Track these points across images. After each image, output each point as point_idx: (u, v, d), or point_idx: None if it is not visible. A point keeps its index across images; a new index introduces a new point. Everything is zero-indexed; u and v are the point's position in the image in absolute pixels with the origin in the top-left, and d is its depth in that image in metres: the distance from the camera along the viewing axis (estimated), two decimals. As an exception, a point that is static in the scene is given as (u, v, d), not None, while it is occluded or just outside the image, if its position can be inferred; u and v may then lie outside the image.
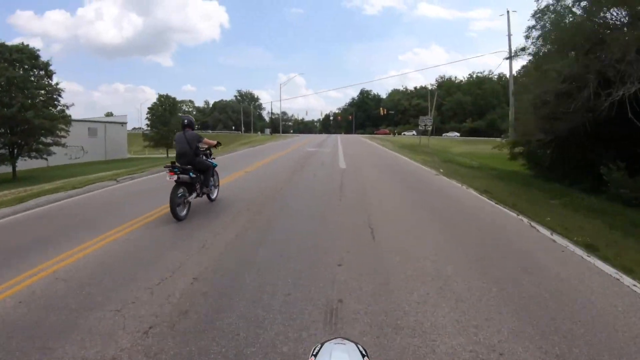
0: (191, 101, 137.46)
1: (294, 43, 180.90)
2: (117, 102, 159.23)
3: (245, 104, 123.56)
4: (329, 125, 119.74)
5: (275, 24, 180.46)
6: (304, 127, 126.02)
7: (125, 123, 52.57)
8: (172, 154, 51.70)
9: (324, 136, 62.01)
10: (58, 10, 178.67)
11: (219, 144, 8.50)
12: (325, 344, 1.08)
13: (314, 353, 1.05)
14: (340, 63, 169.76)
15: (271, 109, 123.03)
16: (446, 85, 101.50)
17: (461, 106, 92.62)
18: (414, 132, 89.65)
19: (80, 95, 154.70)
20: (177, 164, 7.01)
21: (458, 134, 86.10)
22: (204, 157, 7.87)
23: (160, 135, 49.97)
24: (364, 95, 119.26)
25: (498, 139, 25.76)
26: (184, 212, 6.81)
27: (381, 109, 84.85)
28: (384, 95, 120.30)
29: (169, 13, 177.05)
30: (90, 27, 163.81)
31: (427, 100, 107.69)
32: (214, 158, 8.46)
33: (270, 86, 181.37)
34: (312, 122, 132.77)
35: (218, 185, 8.58)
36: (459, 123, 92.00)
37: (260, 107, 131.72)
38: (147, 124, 54.93)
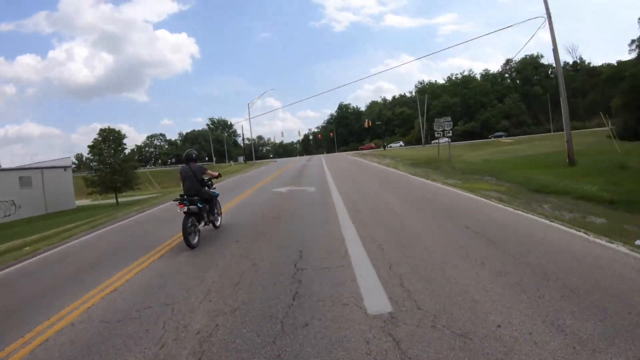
0: (162, 134, 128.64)
1: (266, 67, 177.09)
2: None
3: (219, 132, 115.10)
4: (310, 145, 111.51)
5: (246, 50, 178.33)
6: (283, 150, 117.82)
7: (69, 167, 43.01)
8: (123, 198, 39.76)
9: (304, 159, 53.30)
10: (29, 54, 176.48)
11: (219, 175, 9.12)
12: None
13: None
14: (314, 82, 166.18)
15: (242, 134, 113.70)
16: (430, 89, 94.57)
17: (449, 109, 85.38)
18: (401, 143, 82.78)
19: (59, 139, 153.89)
20: (184, 195, 7.62)
21: (449, 140, 78.21)
22: (206, 188, 8.21)
23: (105, 177, 40.35)
24: (343, 110, 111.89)
25: (507, 139, 18.81)
26: (196, 240, 7.27)
27: (366, 121, 76.75)
28: (363, 108, 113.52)
29: (138, 48, 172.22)
30: (63, 68, 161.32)
31: (411, 107, 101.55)
32: (215, 188, 8.84)
33: (246, 113, 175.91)
34: (292, 144, 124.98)
35: (221, 213, 9.00)
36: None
37: (234, 134, 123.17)
38: (91, 165, 43.96)
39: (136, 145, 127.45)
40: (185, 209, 7.30)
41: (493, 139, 69.73)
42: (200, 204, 7.61)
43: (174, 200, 7.92)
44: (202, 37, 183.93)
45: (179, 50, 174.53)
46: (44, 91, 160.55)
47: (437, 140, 76.40)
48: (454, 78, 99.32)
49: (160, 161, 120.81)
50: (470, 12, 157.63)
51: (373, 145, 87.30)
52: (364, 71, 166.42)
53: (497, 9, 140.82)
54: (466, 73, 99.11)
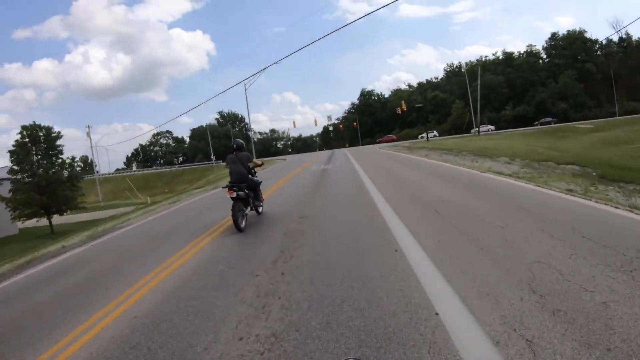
0: (169, 132, 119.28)
1: (282, 61, 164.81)
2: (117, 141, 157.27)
3: (228, 127, 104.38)
4: (330, 138, 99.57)
5: (261, 45, 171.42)
6: (301, 144, 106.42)
7: (6, 179, 32.43)
8: (61, 220, 33.98)
9: (324, 156, 39.45)
10: (46, 59, 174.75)
11: (262, 164, 9.71)
12: None
13: None
14: (330, 74, 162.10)
15: (248, 123, 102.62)
16: (470, 68, 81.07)
17: (493, 90, 71.94)
18: (435, 133, 70.13)
19: (80, 140, 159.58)
20: (232, 183, 8.04)
21: (492, 127, 65.64)
22: (250, 176, 8.58)
23: (28, 197, 29.31)
24: (366, 97, 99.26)
25: (583, 124, 16.00)
26: (244, 224, 7.72)
27: (402, 103, 64.04)
28: (387, 95, 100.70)
29: (154, 48, 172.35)
30: (80, 71, 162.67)
31: (444, 90, 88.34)
32: (257, 176, 9.03)
33: (265, 108, 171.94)
34: (311, 137, 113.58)
35: (263, 200, 9.29)
36: (495, 112, 71.25)
37: (245, 128, 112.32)
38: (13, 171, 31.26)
39: (140, 145, 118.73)
40: (235, 194, 7.76)
41: (539, 125, 56.70)
42: (247, 190, 8.15)
43: (223, 187, 8.83)
44: (217, 34, 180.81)
45: (194, 48, 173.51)
46: (62, 94, 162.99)
47: (477, 129, 63.50)
48: (494, 55, 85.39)
49: (162, 161, 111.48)
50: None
51: (394, 137, 75.14)
52: (382, 62, 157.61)
53: None
54: (508, 50, 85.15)
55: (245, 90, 41.53)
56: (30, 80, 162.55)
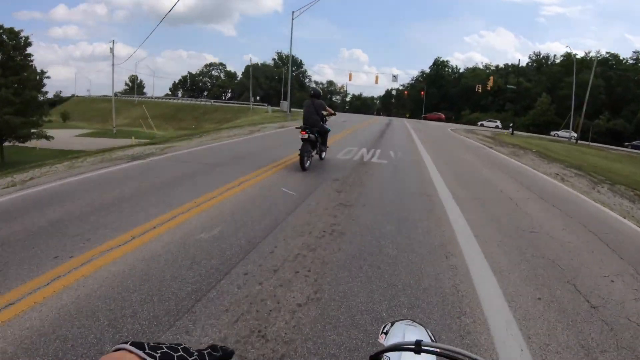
0: (222, 64, 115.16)
1: (356, 18, 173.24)
2: (181, 68, 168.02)
3: (283, 69, 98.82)
4: (391, 104, 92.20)
5: None
6: (361, 104, 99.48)
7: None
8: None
9: (376, 127, 28.91)
10: None
11: (335, 113, 10.15)
12: (396, 324, 1.11)
13: (385, 331, 1.08)
14: (403, 40, 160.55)
15: (303, 74, 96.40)
16: (566, 62, 70.62)
17: (588, 91, 62.05)
18: (498, 124, 62.58)
19: (145, 61, 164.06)
20: (305, 125, 8.79)
21: (575, 133, 56.33)
22: (322, 123, 9.26)
23: None
24: (439, 67, 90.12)
25: None
26: (308, 164, 8.53)
27: (491, 79, 56.16)
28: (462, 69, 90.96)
29: None
30: None
31: (530, 80, 78.10)
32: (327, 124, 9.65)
33: (332, 60, 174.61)
34: (372, 98, 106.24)
35: (327, 147, 10.06)
36: (586, 118, 61.76)
37: (304, 74, 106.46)
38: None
39: (189, 73, 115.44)
40: (307, 135, 8.46)
41: (630, 148, 47.74)
42: (317, 135, 8.91)
43: (296, 127, 9.51)
44: None
45: None
46: (133, 14, 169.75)
47: (556, 132, 54.55)
48: (593, 54, 73.62)
49: (205, 94, 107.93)
50: None
51: (442, 116, 68.29)
52: (458, 38, 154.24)
53: None
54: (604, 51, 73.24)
55: (293, 19, 35.35)
56: None
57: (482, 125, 62.49)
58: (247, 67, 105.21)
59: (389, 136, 20.90)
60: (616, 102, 62.32)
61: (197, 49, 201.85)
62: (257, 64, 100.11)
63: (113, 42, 56.24)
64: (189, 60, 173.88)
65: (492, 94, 71.42)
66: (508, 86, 59.07)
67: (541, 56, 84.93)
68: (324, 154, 9.78)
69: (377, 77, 53.89)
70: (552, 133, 57.58)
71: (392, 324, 1.10)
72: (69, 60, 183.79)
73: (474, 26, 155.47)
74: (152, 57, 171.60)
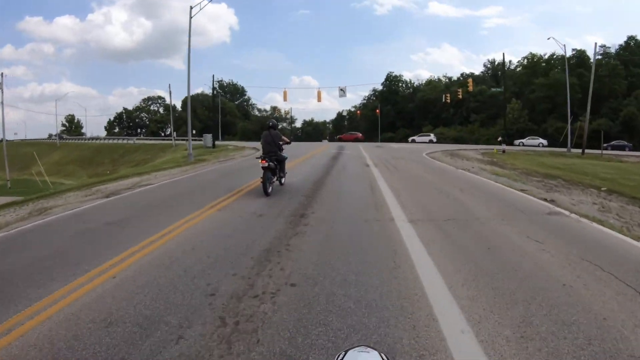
0: (161, 97, 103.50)
1: (303, 44, 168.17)
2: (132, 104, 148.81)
3: (225, 99, 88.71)
4: (343, 127, 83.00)
5: (285, 26, 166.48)
6: (312, 129, 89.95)
7: None
8: None
9: (316, 171, 14.60)
10: (68, 15, 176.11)
11: (290, 142, 11.35)
12: (349, 352, 1.10)
13: None
14: (351, 64, 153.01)
15: (247, 103, 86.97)
16: (530, 63, 64.28)
17: (560, 93, 55.38)
18: (432, 137, 55.53)
19: (95, 99, 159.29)
20: (265, 155, 9.64)
21: (545, 141, 49.55)
22: (278, 152, 10.11)
23: None
24: (392, 82, 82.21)
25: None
26: (270, 189, 9.25)
27: (470, 82, 47.98)
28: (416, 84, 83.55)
29: (177, 16, 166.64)
30: (101, 31, 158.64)
31: (490, 85, 71.19)
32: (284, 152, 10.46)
33: (283, 89, 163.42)
34: (324, 122, 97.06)
35: (286, 173, 10.80)
36: (561, 120, 54.96)
37: (247, 102, 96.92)
38: None
39: (124, 109, 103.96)
40: (266, 164, 9.29)
41: (609, 150, 41.62)
42: (275, 162, 9.77)
43: (256, 157, 10.04)
44: (242, 9, 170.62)
45: (217, 19, 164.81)
46: (81, 52, 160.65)
47: (521, 141, 44.60)
48: (556, 54, 67.75)
49: (144, 131, 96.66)
50: (517, 5, 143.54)
51: (360, 135, 60.43)
52: (404, 57, 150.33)
53: (546, 5, 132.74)
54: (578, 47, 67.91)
55: (190, 18, 25.18)
56: (50, 35, 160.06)
57: (413, 141, 54.50)
58: (185, 99, 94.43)
59: (335, 185, 11.19)
60: (595, 100, 55.90)
61: (148, 85, 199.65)
62: (196, 94, 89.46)
63: (2, 75, 44.55)
64: (139, 97, 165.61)
65: (454, 105, 63.86)
66: (493, 89, 51.12)
67: (496, 63, 79.44)
68: (283, 180, 10.58)
69: (319, 93, 44.83)
70: (517, 142, 50.51)
71: (345, 352, 1.09)
72: (18, 102, 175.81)
73: (419, 45, 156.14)
74: (103, 95, 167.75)
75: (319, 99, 46.29)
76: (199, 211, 7.65)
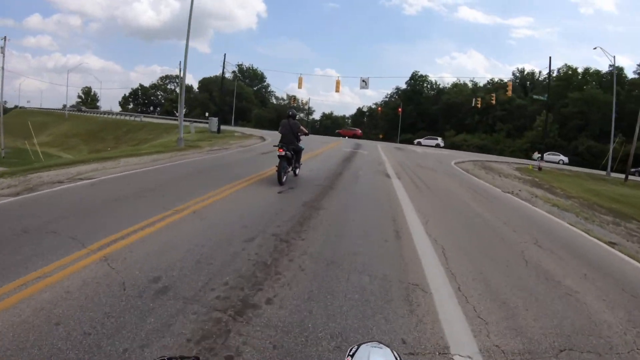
0: (179, 77, 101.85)
1: (329, 38, 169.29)
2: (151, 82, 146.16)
3: (242, 84, 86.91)
4: (362, 124, 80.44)
5: (312, 18, 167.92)
6: (331, 122, 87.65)
7: None
8: None
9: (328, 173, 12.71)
10: None
11: (308, 134, 11.17)
12: (362, 346, 1.10)
13: (351, 353, 1.08)
14: (375, 61, 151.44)
15: (265, 89, 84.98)
16: (564, 76, 60.96)
17: (598, 109, 52.14)
18: (439, 142, 53.73)
19: (118, 74, 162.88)
20: (282, 144, 9.43)
21: (565, 159, 46.39)
22: (296, 142, 10.02)
23: None
24: (417, 81, 79.29)
25: None
26: (284, 178, 9.31)
27: (509, 84, 45.39)
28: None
29: None
30: (128, 8, 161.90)
31: (524, 94, 68.14)
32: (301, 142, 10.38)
33: (306, 80, 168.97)
34: (343, 117, 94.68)
35: (301, 164, 10.79)
36: (594, 139, 51.92)
37: (265, 89, 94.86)
38: None
39: (140, 85, 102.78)
40: (283, 153, 9.19)
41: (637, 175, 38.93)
42: (292, 152, 9.66)
43: (274, 146, 9.73)
44: None
45: (246, 5, 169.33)
46: (107, 27, 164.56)
47: (538, 156, 31.17)
48: (592, 68, 64.13)
49: (158, 109, 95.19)
50: (547, 18, 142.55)
51: (358, 131, 58.92)
52: (429, 59, 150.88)
53: (576, 20, 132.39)
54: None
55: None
56: (77, 7, 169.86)
57: (419, 143, 52.26)
58: (203, 80, 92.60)
59: (334, 227, 7.85)
60: (629, 121, 52.69)
61: (172, 64, 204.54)
62: (211, 76, 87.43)
63: (5, 39, 42.93)
64: (161, 75, 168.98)
65: (479, 112, 60.99)
66: (534, 97, 48.11)
67: (525, 73, 76.08)
68: (297, 170, 10.49)
69: (338, 82, 42.41)
70: (535, 156, 47.57)
71: (358, 346, 1.09)
72: (42, 72, 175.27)
73: (446, 48, 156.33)
74: (125, 71, 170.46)
75: (337, 89, 44.27)
76: (84, 250, 4.59)
